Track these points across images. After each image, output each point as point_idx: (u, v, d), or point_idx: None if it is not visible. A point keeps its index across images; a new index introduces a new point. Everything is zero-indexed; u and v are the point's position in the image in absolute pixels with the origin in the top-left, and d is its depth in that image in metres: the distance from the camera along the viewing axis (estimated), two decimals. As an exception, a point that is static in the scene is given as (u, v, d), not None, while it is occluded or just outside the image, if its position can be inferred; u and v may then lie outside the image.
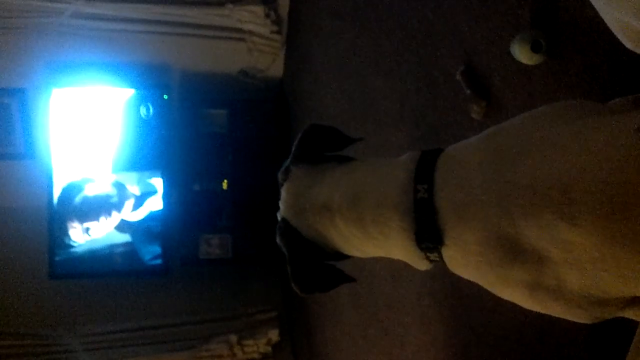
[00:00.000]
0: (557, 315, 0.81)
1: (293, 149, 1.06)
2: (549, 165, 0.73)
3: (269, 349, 3.94)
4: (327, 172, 0.99)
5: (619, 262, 0.69)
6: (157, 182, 3.79)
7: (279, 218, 1.04)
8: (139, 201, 3.79)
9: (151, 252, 3.84)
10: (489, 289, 0.85)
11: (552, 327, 1.49)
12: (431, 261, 0.87)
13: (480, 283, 0.85)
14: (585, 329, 1.36)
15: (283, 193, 1.04)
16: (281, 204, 1.04)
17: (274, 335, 3.95)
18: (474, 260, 0.80)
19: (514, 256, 0.76)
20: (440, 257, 0.85)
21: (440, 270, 1.91)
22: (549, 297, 0.77)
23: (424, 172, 0.84)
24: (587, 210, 0.69)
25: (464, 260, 0.82)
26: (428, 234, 0.83)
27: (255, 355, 3.90)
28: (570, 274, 0.73)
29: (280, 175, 1.06)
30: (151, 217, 3.81)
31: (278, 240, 1.02)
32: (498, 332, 1.73)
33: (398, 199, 0.85)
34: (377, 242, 0.90)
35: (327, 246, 0.98)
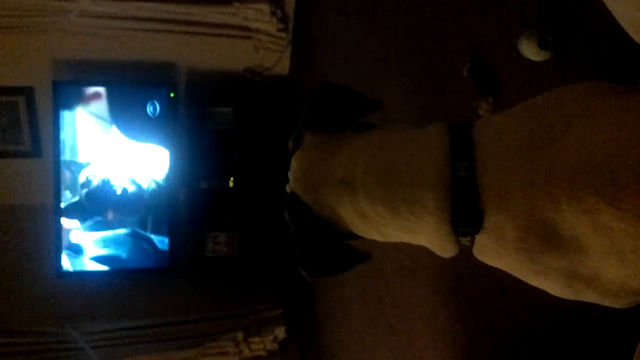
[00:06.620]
0: (590, 302, 0.77)
1: (304, 110, 0.94)
2: (593, 141, 0.67)
3: (276, 346, 3.94)
4: (343, 141, 0.89)
5: None
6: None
7: (287, 191, 0.94)
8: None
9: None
10: (518, 276, 0.79)
11: (560, 325, 1.49)
12: (460, 245, 0.81)
13: (510, 270, 0.80)
14: (594, 326, 1.35)
15: (293, 163, 0.93)
16: (290, 176, 0.94)
17: (280, 332, 3.95)
18: (512, 247, 0.75)
19: (555, 243, 0.71)
20: (472, 242, 0.79)
21: (447, 268, 1.91)
22: (586, 286, 0.73)
23: (463, 148, 0.77)
24: (632, 193, 0.64)
25: (499, 246, 0.76)
26: (467, 217, 0.76)
27: (262, 353, 3.91)
28: (610, 263, 0.69)
29: (290, 143, 0.94)
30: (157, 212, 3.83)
31: (286, 215, 0.92)
32: (505, 328, 1.73)
33: (436, 177, 0.77)
34: (406, 222, 0.81)
35: (341, 225, 0.89)
